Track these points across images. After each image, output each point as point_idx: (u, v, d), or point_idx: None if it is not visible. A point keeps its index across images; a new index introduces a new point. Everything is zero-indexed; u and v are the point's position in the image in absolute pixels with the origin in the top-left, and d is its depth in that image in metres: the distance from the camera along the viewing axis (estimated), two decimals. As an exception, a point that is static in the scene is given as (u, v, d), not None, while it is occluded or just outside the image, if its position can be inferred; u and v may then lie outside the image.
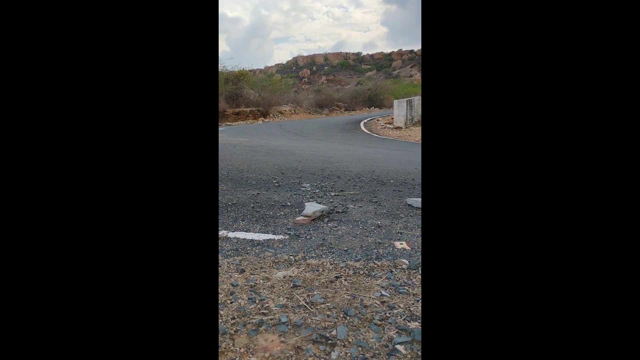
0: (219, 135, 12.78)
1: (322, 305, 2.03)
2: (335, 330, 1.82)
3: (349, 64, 48.09)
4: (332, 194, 4.80)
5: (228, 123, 17.52)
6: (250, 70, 23.41)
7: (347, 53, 51.84)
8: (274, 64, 46.66)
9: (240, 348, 1.70)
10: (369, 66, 52.74)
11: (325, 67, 47.31)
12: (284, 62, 48.59)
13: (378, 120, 20.13)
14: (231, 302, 2.10)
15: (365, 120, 19.79)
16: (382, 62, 56.39)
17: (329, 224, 3.66)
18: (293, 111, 20.98)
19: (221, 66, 19.53)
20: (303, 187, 5.21)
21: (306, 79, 43.89)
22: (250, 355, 1.65)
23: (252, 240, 3.27)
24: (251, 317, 1.94)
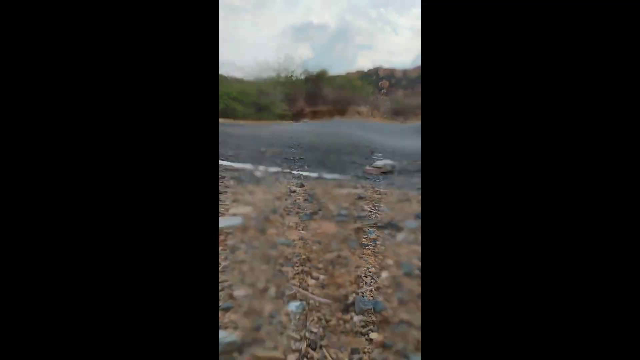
0: (299, 124, 13.01)
1: (389, 212, 1.71)
2: (404, 223, 1.50)
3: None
4: (405, 162, 4.45)
5: (305, 120, 17.82)
6: (330, 77, 23.57)
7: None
8: (355, 70, 46.54)
9: (290, 222, 1.47)
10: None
11: (403, 82, 45.98)
12: (365, 70, 48.23)
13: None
14: (286, 199, 1.88)
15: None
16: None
17: (400, 176, 3.32)
18: (370, 114, 20.71)
19: (302, 69, 20.09)
20: (375, 156, 4.93)
21: (384, 90, 43.30)
22: (301, 231, 1.40)
23: (318, 177, 3.08)
24: (306, 210, 1.70)
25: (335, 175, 3.19)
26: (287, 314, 0.80)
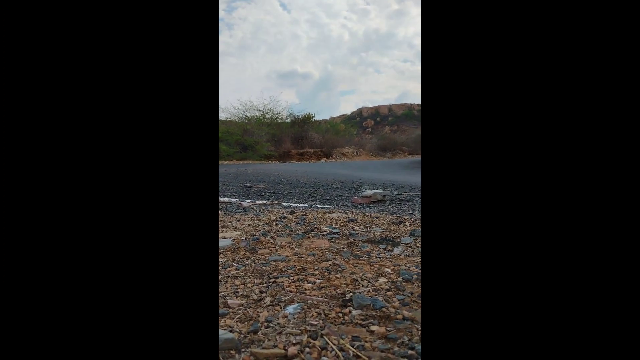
0: (285, 164, 13.08)
1: (382, 231, 1.70)
2: (400, 239, 1.49)
3: (413, 114, 46.29)
4: (396, 192, 4.48)
5: (292, 161, 17.96)
6: (315, 121, 24.24)
7: (411, 104, 50.14)
8: (338, 115, 47.48)
9: (282, 242, 1.44)
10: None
11: (389, 118, 47.00)
12: (349, 113, 49.10)
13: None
14: (276, 224, 1.85)
15: (430, 163, 19.03)
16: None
17: (391, 205, 3.33)
18: (355, 153, 21.05)
19: (288, 112, 20.84)
20: (363, 188, 4.96)
21: (369, 129, 44.20)
22: (295, 248, 1.37)
23: (307, 207, 3.06)
24: (298, 231, 1.67)
25: (325, 205, 3.18)
26: (285, 316, 0.76)
